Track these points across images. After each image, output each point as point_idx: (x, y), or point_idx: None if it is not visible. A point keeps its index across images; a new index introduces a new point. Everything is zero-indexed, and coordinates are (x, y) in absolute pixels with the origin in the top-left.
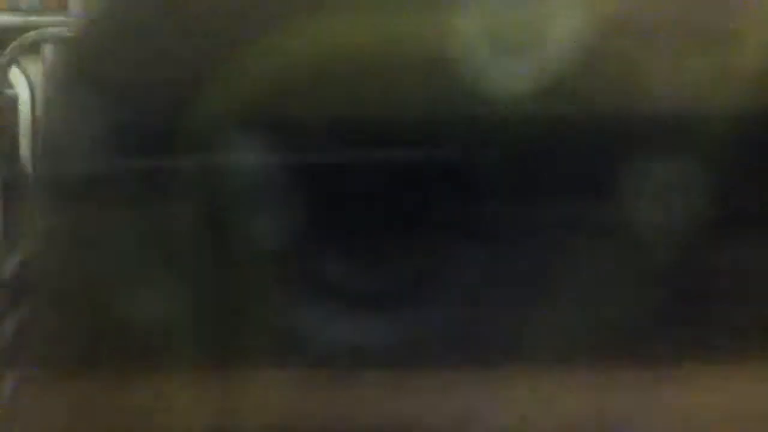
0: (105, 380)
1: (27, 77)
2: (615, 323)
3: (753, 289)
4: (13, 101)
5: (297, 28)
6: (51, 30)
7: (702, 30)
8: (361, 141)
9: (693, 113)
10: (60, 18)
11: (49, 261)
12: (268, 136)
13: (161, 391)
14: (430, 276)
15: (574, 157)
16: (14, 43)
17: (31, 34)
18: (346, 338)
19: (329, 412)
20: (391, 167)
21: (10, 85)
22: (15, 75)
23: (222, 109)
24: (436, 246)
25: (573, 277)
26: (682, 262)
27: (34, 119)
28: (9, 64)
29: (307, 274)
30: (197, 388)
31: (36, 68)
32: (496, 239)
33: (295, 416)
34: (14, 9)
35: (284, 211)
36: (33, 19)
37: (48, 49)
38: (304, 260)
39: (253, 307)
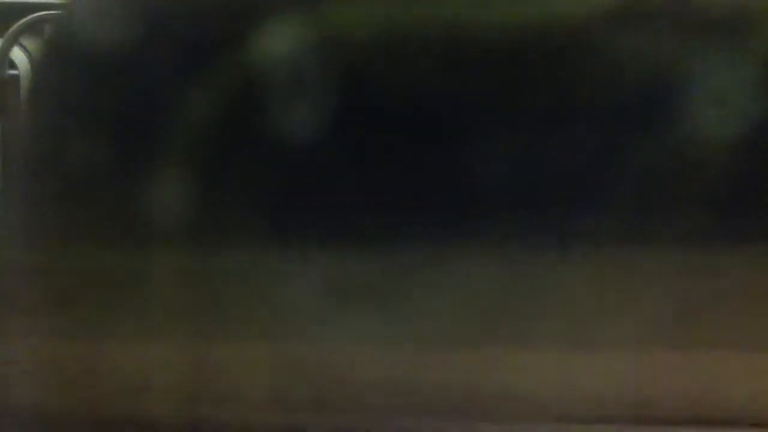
0: None
1: (30, 58)
2: None
3: None
4: (16, 81)
5: None
6: (52, 11)
7: None
8: None
9: None
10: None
11: None
12: None
13: None
14: None
15: None
16: (16, 25)
17: (33, 16)
18: None
19: None
20: None
21: (13, 66)
22: (18, 56)
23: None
24: None
25: None
26: None
27: None
28: (11, 45)
29: None
30: None
31: (39, 49)
32: None
33: None
34: None
35: None
36: (35, 0)
37: (49, 30)
38: None
39: None
